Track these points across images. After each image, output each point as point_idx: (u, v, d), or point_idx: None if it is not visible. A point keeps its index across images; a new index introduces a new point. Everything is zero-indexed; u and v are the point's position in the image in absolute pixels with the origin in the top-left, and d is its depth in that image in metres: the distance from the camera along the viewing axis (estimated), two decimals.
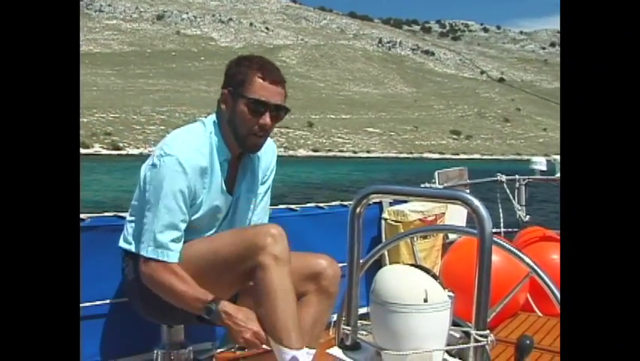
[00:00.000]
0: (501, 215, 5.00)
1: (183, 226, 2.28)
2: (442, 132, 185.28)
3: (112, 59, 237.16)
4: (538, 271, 1.76)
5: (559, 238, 4.06)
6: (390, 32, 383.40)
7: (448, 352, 1.66)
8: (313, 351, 2.38)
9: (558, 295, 1.68)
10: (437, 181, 4.92)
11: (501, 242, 1.86)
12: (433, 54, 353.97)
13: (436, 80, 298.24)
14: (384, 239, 3.81)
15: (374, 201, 2.64)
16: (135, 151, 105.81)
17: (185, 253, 2.29)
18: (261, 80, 2.32)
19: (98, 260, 2.52)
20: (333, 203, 3.72)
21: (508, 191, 5.25)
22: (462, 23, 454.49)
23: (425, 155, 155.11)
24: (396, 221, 3.85)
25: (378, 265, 2.13)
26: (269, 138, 2.52)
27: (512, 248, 1.88)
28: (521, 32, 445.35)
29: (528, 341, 1.69)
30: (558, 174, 5.16)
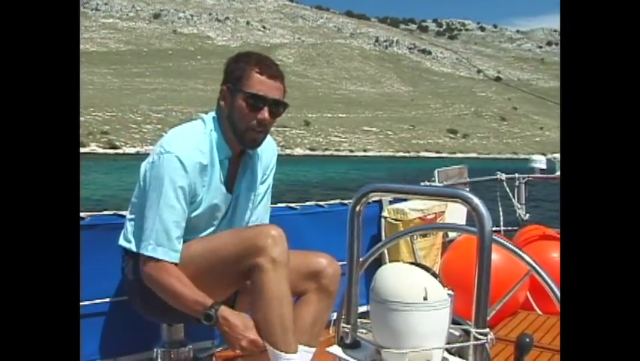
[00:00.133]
0: (501, 213, 5.00)
1: (183, 223, 2.28)
2: (439, 131, 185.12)
3: (108, 57, 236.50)
4: (538, 269, 1.76)
5: (559, 236, 4.07)
6: (387, 31, 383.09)
7: (448, 350, 1.65)
8: (313, 350, 2.39)
9: (558, 294, 1.68)
10: (437, 179, 4.93)
11: (501, 240, 1.86)
12: (429, 53, 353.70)
13: (432, 79, 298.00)
14: (383, 237, 3.82)
15: (374, 199, 2.64)
16: (132, 150, 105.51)
17: (185, 252, 2.29)
18: (258, 75, 2.32)
19: (98, 258, 2.52)
20: (333, 201, 3.72)
21: (507, 189, 5.25)
22: (459, 22, 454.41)
23: (422, 154, 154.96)
24: (396, 219, 3.86)
25: (378, 263, 2.13)
26: (269, 136, 2.52)
27: (512, 246, 1.88)
28: (518, 31, 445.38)
29: (528, 340, 1.69)
30: (558, 173, 5.16)
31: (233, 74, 2.37)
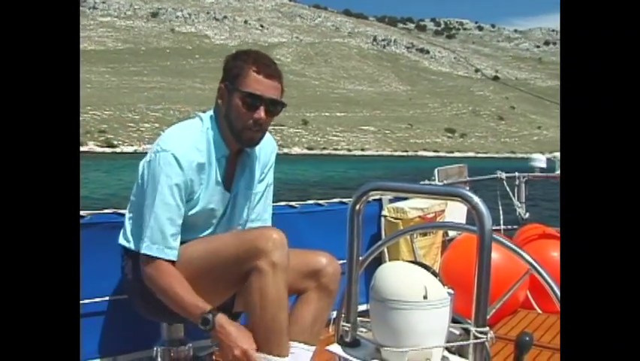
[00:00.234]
0: (501, 212, 5.01)
1: (179, 221, 2.28)
2: (437, 130, 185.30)
3: (106, 56, 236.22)
4: (538, 268, 1.76)
5: (559, 235, 4.08)
6: (385, 30, 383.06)
7: (448, 349, 1.65)
8: (313, 348, 2.39)
9: (558, 293, 1.68)
10: (437, 178, 4.93)
11: (501, 239, 1.86)
12: (427, 52, 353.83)
13: (430, 78, 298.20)
14: (383, 236, 3.82)
15: (374, 198, 2.64)
16: (129, 149, 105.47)
17: (185, 253, 2.28)
18: (255, 74, 2.31)
19: (98, 257, 2.52)
20: (333, 200, 3.72)
21: (507, 188, 5.26)
22: (457, 21, 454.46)
23: (420, 153, 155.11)
24: (395, 218, 3.86)
25: (378, 262, 2.13)
26: (268, 134, 2.52)
27: (512, 245, 1.88)
28: (516, 31, 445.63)
29: (528, 338, 1.69)
30: (558, 172, 5.16)
31: (231, 72, 2.36)
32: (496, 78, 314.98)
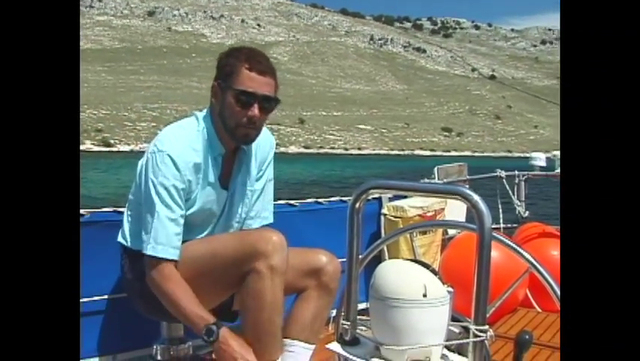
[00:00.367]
0: (500, 211, 5.01)
1: (180, 220, 2.27)
2: (434, 129, 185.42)
3: (103, 55, 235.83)
4: (538, 266, 1.76)
5: (558, 233, 4.09)
6: (382, 29, 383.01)
7: (447, 347, 1.66)
8: (312, 347, 2.39)
9: (558, 291, 1.68)
10: (437, 177, 4.94)
11: (500, 237, 1.86)
12: (424, 51, 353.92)
13: (427, 78, 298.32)
14: (383, 234, 3.81)
15: (373, 196, 2.64)
16: (126, 148, 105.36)
17: (185, 253, 2.28)
18: (247, 71, 2.29)
19: (98, 255, 2.52)
20: (333, 198, 3.72)
21: (507, 187, 5.26)
22: (453, 21, 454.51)
23: (416, 152, 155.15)
24: (395, 216, 3.86)
25: (378, 260, 2.13)
26: (267, 131, 2.51)
27: (512, 244, 1.88)
28: (512, 30, 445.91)
29: (527, 337, 1.69)
30: (558, 170, 5.16)
31: (224, 69, 2.34)
32: (492, 77, 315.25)
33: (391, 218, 3.88)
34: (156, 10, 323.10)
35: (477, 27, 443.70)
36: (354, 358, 1.66)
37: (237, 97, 2.29)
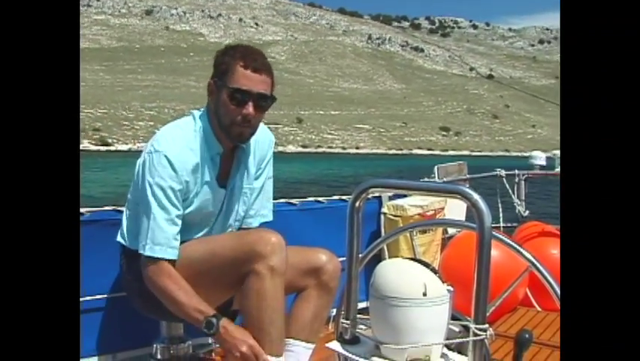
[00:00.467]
0: (500, 210, 5.01)
1: (179, 220, 2.27)
2: (431, 129, 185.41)
3: (100, 54, 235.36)
4: (538, 265, 1.76)
5: (558, 232, 4.09)
6: (380, 29, 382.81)
7: (447, 346, 1.66)
8: (312, 345, 2.39)
9: (557, 290, 1.68)
10: (437, 175, 4.94)
11: (500, 237, 1.86)
12: (422, 50, 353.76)
13: (425, 77, 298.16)
14: (383, 233, 3.82)
15: (373, 195, 2.64)
16: (124, 147, 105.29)
17: (184, 253, 2.27)
18: (242, 69, 2.28)
19: (98, 254, 2.52)
20: (333, 197, 3.72)
21: (507, 186, 5.26)
22: (451, 20, 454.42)
23: (414, 151, 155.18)
24: (395, 215, 3.87)
25: (378, 259, 2.12)
26: (266, 128, 2.51)
27: (512, 242, 1.88)
28: (510, 29, 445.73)
29: (527, 336, 1.69)
30: (557, 169, 5.16)
31: (220, 67, 2.33)
32: (490, 77, 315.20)
33: (391, 217, 3.88)
34: (154, 9, 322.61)
35: (475, 26, 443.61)
36: (354, 357, 1.67)
37: (232, 95, 2.28)
